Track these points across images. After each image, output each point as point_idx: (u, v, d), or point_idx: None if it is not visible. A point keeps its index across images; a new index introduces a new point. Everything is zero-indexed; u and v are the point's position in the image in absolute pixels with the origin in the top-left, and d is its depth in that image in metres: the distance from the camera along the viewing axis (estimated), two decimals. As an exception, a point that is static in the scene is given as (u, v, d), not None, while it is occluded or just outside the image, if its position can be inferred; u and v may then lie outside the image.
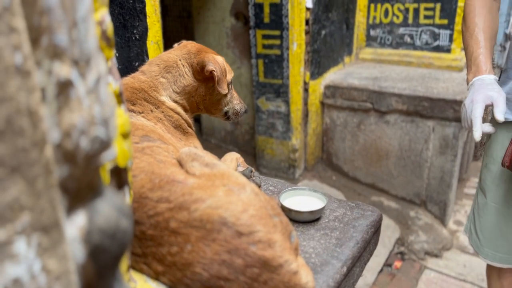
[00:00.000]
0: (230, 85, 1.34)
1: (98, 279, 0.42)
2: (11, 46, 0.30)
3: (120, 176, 0.57)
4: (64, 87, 0.35)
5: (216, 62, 1.21)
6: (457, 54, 3.08)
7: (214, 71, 1.19)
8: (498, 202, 1.36)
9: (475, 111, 1.18)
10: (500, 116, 1.15)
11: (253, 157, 3.27)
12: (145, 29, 1.69)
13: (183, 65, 1.21)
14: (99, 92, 0.38)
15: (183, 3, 3.83)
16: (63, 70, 0.34)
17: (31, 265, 0.34)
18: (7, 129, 0.31)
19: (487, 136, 1.42)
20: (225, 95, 1.32)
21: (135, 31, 1.64)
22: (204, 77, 1.22)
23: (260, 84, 2.95)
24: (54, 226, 0.35)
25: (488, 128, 1.20)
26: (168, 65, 1.21)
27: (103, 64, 0.39)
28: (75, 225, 0.39)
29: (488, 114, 1.31)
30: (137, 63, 1.67)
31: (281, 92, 2.88)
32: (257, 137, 3.13)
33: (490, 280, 1.53)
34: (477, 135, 1.16)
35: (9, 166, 0.31)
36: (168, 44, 1.91)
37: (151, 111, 1.12)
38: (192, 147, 0.99)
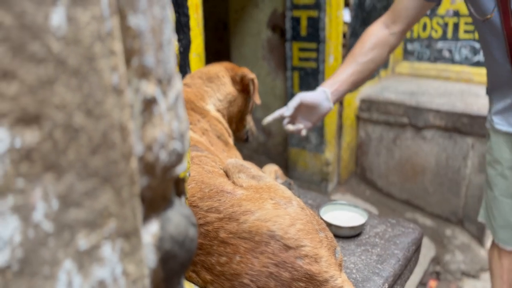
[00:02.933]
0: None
1: (166, 284, 0.44)
2: (110, 67, 0.33)
3: (179, 186, 0.59)
4: (149, 104, 0.37)
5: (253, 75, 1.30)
6: (498, 70, 3.00)
7: (255, 78, 1.27)
8: (507, 196, 1.46)
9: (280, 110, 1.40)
10: (264, 120, 1.41)
11: (285, 169, 3.27)
12: (188, 42, 1.74)
13: (223, 76, 1.28)
14: (178, 109, 0.40)
15: (219, 15, 3.92)
16: (149, 88, 0.37)
17: (114, 269, 0.36)
18: (102, 142, 0.33)
19: (487, 138, 1.52)
20: (249, 112, 1.38)
21: (179, 44, 1.70)
22: (242, 87, 1.29)
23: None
24: (134, 233, 0.38)
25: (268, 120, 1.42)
26: (210, 76, 1.27)
27: (180, 82, 0.42)
28: (149, 233, 0.41)
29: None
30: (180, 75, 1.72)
31: (316, 105, 2.88)
32: (289, 149, 3.14)
33: (492, 260, 1.64)
34: (265, 120, 1.41)
35: (102, 176, 0.34)
36: (208, 56, 1.96)
37: (198, 121, 1.15)
38: (236, 159, 1.02)
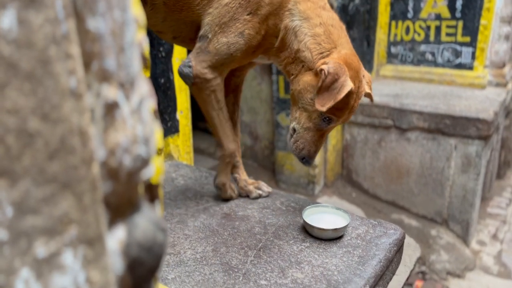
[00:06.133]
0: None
1: (134, 291, 0.44)
2: (67, 71, 0.32)
3: (152, 191, 0.59)
4: (111, 108, 0.37)
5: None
6: (480, 72, 3.05)
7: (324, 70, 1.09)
8: None
9: None
10: None
11: (272, 172, 3.28)
12: (171, 47, 1.73)
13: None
14: (142, 113, 0.40)
15: (205, 20, 3.91)
16: (111, 92, 0.37)
17: (76, 276, 0.36)
18: (60, 147, 0.33)
19: None
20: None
21: (161, 49, 1.69)
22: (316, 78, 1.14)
23: (281, 100, 2.97)
24: (98, 239, 0.37)
25: None
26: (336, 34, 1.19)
27: (145, 86, 0.41)
28: (115, 239, 0.41)
29: None
30: (162, 80, 1.71)
31: (301, 108, 2.89)
32: (276, 153, 3.15)
33: None
34: None
35: (61, 182, 0.33)
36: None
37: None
38: None
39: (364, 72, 1.17)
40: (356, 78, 1.12)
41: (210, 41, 1.14)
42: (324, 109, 1.07)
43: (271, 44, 1.18)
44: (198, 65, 1.15)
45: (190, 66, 1.16)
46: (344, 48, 1.13)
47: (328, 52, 1.12)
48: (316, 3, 1.14)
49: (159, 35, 1.32)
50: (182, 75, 1.19)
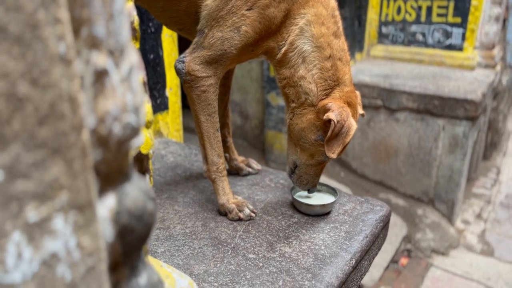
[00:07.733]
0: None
1: (125, 258, 0.45)
2: (56, 36, 0.32)
3: (142, 162, 0.59)
4: (100, 76, 0.37)
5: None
6: (469, 53, 3.07)
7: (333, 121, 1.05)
8: None
9: None
10: None
11: (262, 151, 3.29)
12: (160, 23, 1.71)
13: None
14: (131, 81, 0.40)
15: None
16: (100, 59, 0.37)
17: (67, 241, 0.36)
18: (50, 113, 0.33)
19: None
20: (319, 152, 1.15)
21: (150, 24, 1.67)
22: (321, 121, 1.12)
23: (271, 79, 2.97)
24: (88, 206, 0.38)
25: None
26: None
27: (135, 54, 0.41)
28: (105, 206, 0.41)
29: None
30: (152, 56, 1.69)
31: (292, 87, 2.89)
32: (266, 132, 3.15)
33: None
34: None
35: (51, 147, 0.34)
36: (181, 37, 1.93)
37: None
38: None
39: (355, 93, 1.17)
40: (356, 113, 1.13)
41: (206, 35, 1.07)
42: (335, 156, 1.06)
43: (272, 50, 1.13)
44: (191, 61, 1.08)
45: (183, 62, 1.10)
46: (346, 85, 1.12)
47: (331, 90, 1.10)
48: (330, 29, 1.08)
49: (166, 27, 1.26)
50: (176, 70, 1.13)
